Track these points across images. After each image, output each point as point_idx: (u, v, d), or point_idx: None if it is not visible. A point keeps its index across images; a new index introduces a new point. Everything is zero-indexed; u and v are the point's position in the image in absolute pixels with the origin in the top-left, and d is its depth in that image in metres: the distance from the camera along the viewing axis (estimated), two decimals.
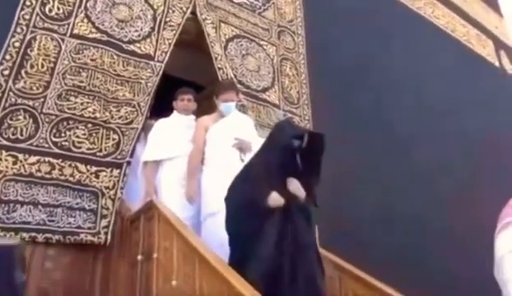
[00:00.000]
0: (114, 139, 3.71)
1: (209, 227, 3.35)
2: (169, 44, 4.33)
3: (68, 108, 3.61)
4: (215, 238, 3.06)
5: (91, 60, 3.85)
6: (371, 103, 5.71)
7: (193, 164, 3.64)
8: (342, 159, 4.75)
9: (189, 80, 5.23)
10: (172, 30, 4.41)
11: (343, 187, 4.69)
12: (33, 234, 3.17)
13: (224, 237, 2.82)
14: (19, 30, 3.66)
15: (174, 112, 4.05)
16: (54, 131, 3.50)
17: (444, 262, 5.07)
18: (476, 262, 5.57)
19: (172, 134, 3.85)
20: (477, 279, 5.36)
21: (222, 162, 3.47)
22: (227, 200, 2.83)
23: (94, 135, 3.64)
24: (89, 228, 3.37)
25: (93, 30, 3.99)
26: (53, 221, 3.28)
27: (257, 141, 3.50)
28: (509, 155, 7.17)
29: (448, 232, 5.43)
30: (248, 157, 3.41)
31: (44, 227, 3.23)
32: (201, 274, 2.45)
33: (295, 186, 2.77)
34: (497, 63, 8.78)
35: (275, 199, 2.66)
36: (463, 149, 6.46)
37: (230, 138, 3.56)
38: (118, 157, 3.67)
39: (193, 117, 4.05)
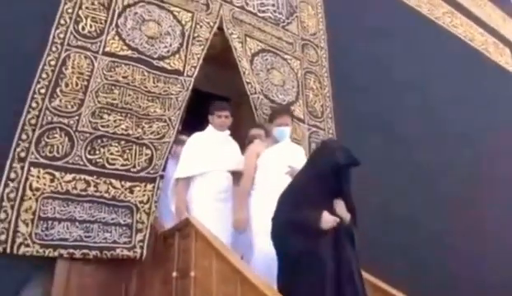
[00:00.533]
0: (146, 154, 3.77)
1: (260, 245, 3.30)
2: (198, 59, 4.39)
3: (102, 126, 3.67)
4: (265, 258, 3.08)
5: (123, 77, 3.91)
6: (394, 115, 5.71)
7: (245, 191, 3.58)
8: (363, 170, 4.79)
9: (215, 94, 5.30)
10: (200, 45, 4.47)
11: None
12: (71, 251, 3.23)
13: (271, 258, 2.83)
14: (54, 48, 3.73)
15: (210, 127, 3.97)
16: (89, 148, 3.56)
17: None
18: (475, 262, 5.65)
19: (207, 149, 3.79)
20: (477, 279, 5.43)
21: (274, 188, 3.29)
22: (275, 220, 2.79)
23: (127, 151, 3.70)
24: (125, 243, 3.42)
25: (124, 47, 4.05)
26: (89, 237, 3.34)
27: None
28: None
29: (446, 233, 5.45)
30: None
31: (81, 243, 3.30)
32: (243, 293, 2.48)
33: (341, 207, 2.72)
34: None
35: (328, 220, 2.60)
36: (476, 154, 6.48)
37: (283, 165, 3.50)
38: (151, 172, 3.72)
39: (228, 132, 3.99)
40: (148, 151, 3.77)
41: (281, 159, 3.56)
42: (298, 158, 3.67)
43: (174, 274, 3.23)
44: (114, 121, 3.74)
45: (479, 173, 6.47)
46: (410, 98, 6.13)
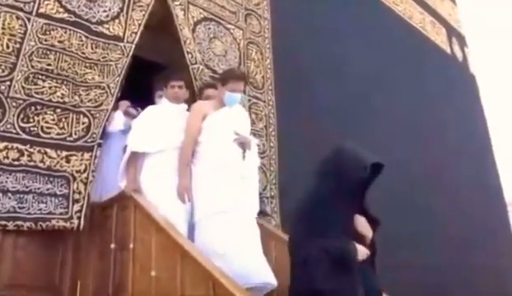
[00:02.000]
0: (83, 123, 3.65)
1: (206, 228, 3.12)
2: (139, 25, 4.23)
3: (36, 93, 3.51)
4: (215, 240, 3.00)
5: (59, 42, 3.73)
6: (333, 89, 5.86)
7: (186, 156, 3.37)
8: (304, 144, 4.93)
9: (155, 61, 5.19)
10: (141, 11, 4.31)
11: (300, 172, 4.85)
12: (3, 223, 3.13)
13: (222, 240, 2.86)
14: None
15: (164, 99, 3.84)
16: (22, 116, 3.40)
17: None
18: None
19: (161, 124, 3.59)
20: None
21: (221, 157, 3.23)
22: (298, 249, 2.36)
23: (63, 120, 3.57)
24: (61, 214, 3.34)
25: (60, 9, 3.84)
26: (23, 208, 3.24)
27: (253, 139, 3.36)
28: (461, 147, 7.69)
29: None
30: (248, 155, 3.26)
31: (14, 214, 3.19)
32: (183, 267, 2.54)
33: (363, 224, 2.43)
34: (449, 50, 9.19)
35: (364, 253, 2.32)
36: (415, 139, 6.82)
37: (230, 131, 3.32)
38: (89, 140, 3.62)
39: (185, 106, 3.79)
40: (85, 119, 3.66)
41: (228, 125, 3.38)
42: (246, 124, 3.59)
43: (113, 246, 3.24)
44: (50, 88, 3.58)
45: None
46: (350, 71, 6.28)
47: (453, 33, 9.66)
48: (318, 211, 2.33)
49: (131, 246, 3.02)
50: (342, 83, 6.06)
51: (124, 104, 4.36)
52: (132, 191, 3.31)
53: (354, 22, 6.74)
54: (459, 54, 9.54)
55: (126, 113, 4.28)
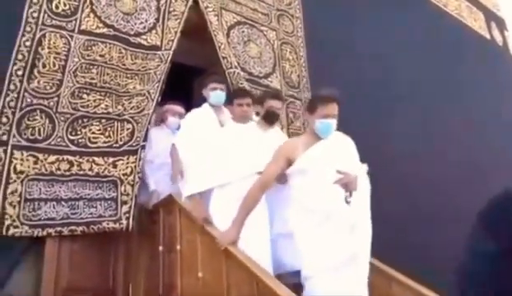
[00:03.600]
0: (128, 129, 3.82)
1: (316, 287, 2.57)
2: (175, 33, 4.39)
3: (82, 106, 3.70)
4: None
5: (100, 56, 3.92)
6: (367, 83, 5.83)
7: (251, 203, 2.77)
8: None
9: (192, 66, 5.31)
10: (176, 19, 4.47)
11: None
12: (58, 229, 3.33)
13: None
14: (28, 28, 3.70)
15: (229, 119, 3.49)
16: (70, 129, 3.60)
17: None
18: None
19: (228, 150, 3.12)
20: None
21: (322, 207, 2.64)
22: None
23: (109, 129, 3.75)
24: (110, 216, 3.51)
25: (100, 24, 4.04)
26: (75, 214, 3.42)
27: (361, 172, 2.72)
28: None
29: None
30: (355, 197, 2.56)
31: (68, 220, 3.38)
32: (228, 267, 2.63)
33: None
34: (488, 36, 8.94)
35: None
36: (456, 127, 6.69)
37: (330, 171, 2.60)
38: (134, 144, 3.78)
39: (252, 123, 3.40)
40: (129, 125, 3.83)
41: (327, 162, 2.69)
42: (350, 155, 2.85)
43: (161, 248, 3.38)
44: (94, 100, 3.77)
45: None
46: (386, 63, 6.23)
47: (491, 17, 9.38)
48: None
49: (178, 248, 3.14)
50: (377, 76, 6.02)
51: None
52: (203, 221, 2.97)
53: (388, 13, 6.67)
54: (499, 39, 9.25)
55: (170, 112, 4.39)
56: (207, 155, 3.17)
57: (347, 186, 2.57)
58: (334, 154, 2.75)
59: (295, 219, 2.72)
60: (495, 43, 9.24)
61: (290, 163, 2.75)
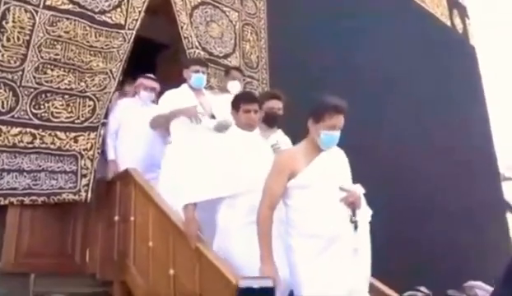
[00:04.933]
0: (89, 105, 4.02)
1: None
2: (139, 12, 4.54)
3: (46, 81, 3.88)
4: None
5: (65, 32, 4.06)
6: (327, 66, 6.13)
7: (266, 225, 2.52)
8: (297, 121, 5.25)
9: (154, 40, 5.45)
10: None
11: None
12: (20, 198, 3.57)
13: None
14: None
15: (233, 126, 3.12)
16: (34, 103, 3.79)
17: None
18: None
19: (232, 161, 2.84)
20: None
21: (328, 229, 2.47)
22: None
23: (71, 104, 3.95)
24: (70, 188, 3.77)
25: (65, 0, 4.15)
26: (37, 185, 3.67)
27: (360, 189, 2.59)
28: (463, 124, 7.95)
29: None
30: (359, 216, 2.46)
31: (29, 191, 3.63)
32: (174, 240, 2.95)
33: None
34: (449, 23, 9.30)
35: None
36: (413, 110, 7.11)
37: (333, 188, 2.49)
38: (94, 121, 4.00)
39: (257, 131, 3.11)
40: (91, 102, 4.03)
41: (330, 179, 2.55)
42: (347, 171, 2.75)
43: (117, 218, 3.67)
44: (58, 76, 3.94)
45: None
46: (346, 46, 6.50)
47: (454, 4, 9.73)
48: None
49: (132, 219, 3.44)
50: (337, 58, 6.30)
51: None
52: (196, 240, 2.74)
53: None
54: (460, 26, 9.64)
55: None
56: (210, 162, 2.87)
57: (354, 204, 2.46)
58: (336, 169, 2.64)
59: (293, 247, 2.52)
60: (456, 30, 9.63)
61: (290, 177, 2.57)
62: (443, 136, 7.58)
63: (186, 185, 2.86)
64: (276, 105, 3.51)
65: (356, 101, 6.18)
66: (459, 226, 7.12)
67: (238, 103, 3.01)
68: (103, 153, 4.10)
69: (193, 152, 3.12)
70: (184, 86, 3.87)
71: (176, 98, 3.74)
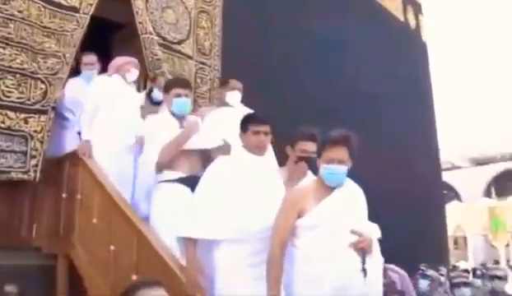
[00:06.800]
0: (41, 88, 4.16)
1: None
2: None
3: None
4: None
5: (18, 11, 4.14)
6: (279, 56, 6.40)
7: (277, 268, 2.40)
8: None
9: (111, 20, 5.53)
10: None
11: None
12: None
13: None
14: None
15: (240, 147, 2.86)
16: None
17: None
18: None
19: (239, 193, 2.63)
20: None
21: (337, 278, 2.34)
22: None
23: (22, 84, 4.06)
24: (19, 168, 3.93)
25: None
26: None
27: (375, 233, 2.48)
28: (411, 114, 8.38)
29: None
30: (369, 264, 2.30)
31: None
32: (115, 218, 3.20)
33: None
34: (402, 18, 9.68)
35: None
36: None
37: (343, 229, 2.36)
38: (45, 104, 4.15)
39: (269, 154, 2.93)
40: (43, 86, 4.17)
41: (340, 221, 2.43)
42: (360, 209, 2.59)
43: (64, 195, 3.88)
44: (10, 55, 4.03)
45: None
46: (297, 36, 6.77)
47: (408, 1, 10.10)
48: None
49: (78, 197, 3.66)
50: (290, 48, 6.58)
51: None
52: (196, 289, 2.55)
53: None
54: (412, 22, 10.05)
55: None
56: (216, 195, 2.65)
57: (364, 250, 2.32)
58: (347, 208, 2.49)
59: (297, 290, 2.42)
60: (408, 26, 10.04)
61: (300, 214, 2.47)
62: (389, 130, 8.03)
63: (188, 216, 2.66)
64: (310, 148, 2.93)
65: (307, 91, 6.62)
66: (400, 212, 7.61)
67: (246, 124, 2.81)
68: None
69: (200, 182, 2.78)
70: (166, 114, 3.46)
71: (158, 125, 3.39)
